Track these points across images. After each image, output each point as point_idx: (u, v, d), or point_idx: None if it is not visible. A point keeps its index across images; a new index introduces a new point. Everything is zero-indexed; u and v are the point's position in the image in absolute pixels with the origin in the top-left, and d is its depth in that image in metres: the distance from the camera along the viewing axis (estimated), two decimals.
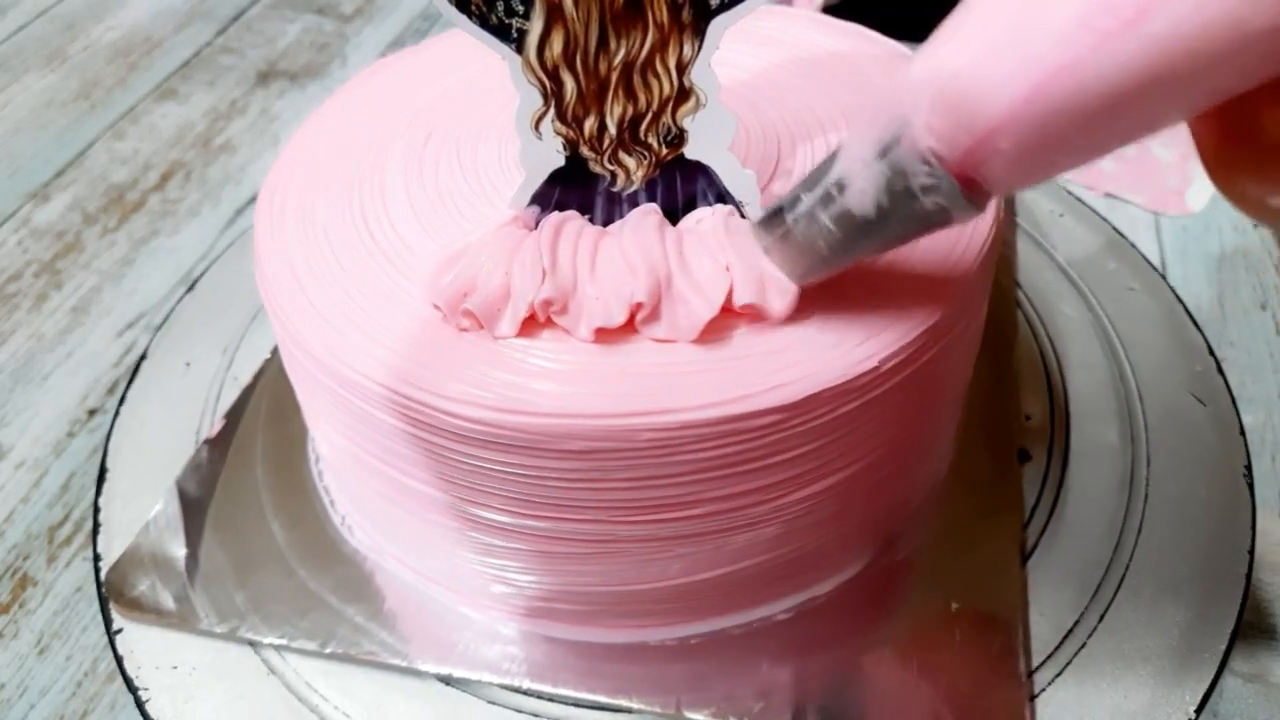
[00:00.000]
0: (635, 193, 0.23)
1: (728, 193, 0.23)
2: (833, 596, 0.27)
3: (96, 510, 0.31)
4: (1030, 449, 0.31)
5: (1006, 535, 0.28)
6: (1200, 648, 0.26)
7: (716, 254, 0.21)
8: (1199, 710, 0.24)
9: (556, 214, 0.22)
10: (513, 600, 0.26)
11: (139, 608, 0.27)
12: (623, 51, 0.20)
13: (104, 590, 0.28)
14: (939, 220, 0.17)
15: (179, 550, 0.29)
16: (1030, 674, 0.25)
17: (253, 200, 0.48)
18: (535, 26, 0.19)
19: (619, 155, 0.22)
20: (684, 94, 0.21)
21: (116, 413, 0.34)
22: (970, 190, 0.16)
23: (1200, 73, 0.12)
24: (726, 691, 0.25)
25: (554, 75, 0.20)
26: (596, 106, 0.21)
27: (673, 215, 0.23)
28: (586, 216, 0.23)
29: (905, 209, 0.17)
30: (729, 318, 0.21)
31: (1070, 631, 0.26)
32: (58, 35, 0.61)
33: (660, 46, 0.20)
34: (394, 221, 0.24)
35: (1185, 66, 0.12)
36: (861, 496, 0.25)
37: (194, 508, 0.30)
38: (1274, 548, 0.30)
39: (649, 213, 0.22)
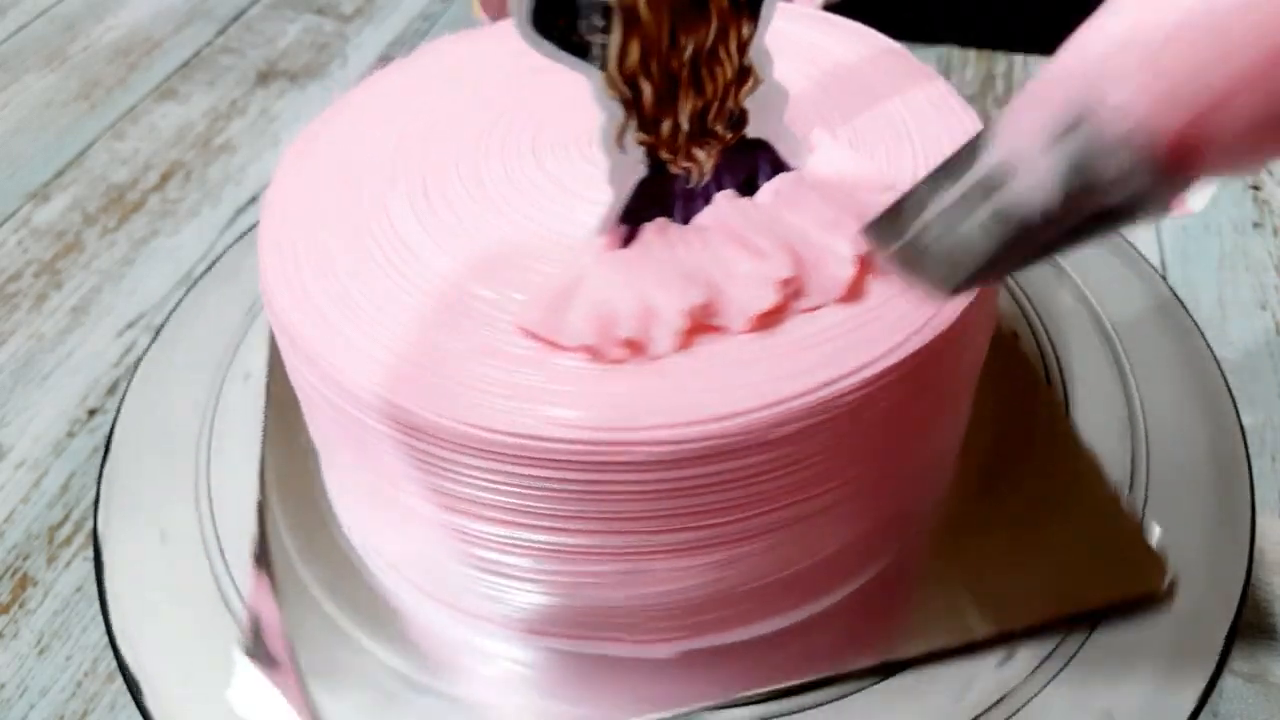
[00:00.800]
0: (706, 185, 0.23)
1: (784, 163, 0.23)
2: (843, 603, 0.27)
3: (96, 510, 0.31)
4: None
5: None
6: (1200, 647, 0.26)
7: (820, 214, 0.22)
8: (1199, 710, 0.24)
9: (651, 223, 0.22)
10: (515, 614, 0.26)
11: None
12: (690, 46, 0.20)
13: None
14: (1124, 218, 0.14)
15: None
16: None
17: (253, 200, 0.48)
18: (614, 38, 0.19)
19: (691, 150, 0.22)
20: (744, 75, 0.21)
21: (117, 413, 0.34)
22: (1170, 180, 0.13)
23: None
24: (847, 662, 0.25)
25: (632, 84, 0.20)
26: (671, 106, 0.21)
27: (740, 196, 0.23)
28: (667, 219, 0.23)
29: (1086, 204, 0.13)
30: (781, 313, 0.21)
31: (1070, 631, 0.26)
32: (58, 35, 0.61)
33: (722, 33, 0.20)
34: (397, 226, 0.24)
35: None
36: (877, 497, 0.25)
37: (278, 673, 0.27)
38: (1274, 547, 0.30)
39: (733, 197, 0.23)
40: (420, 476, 0.22)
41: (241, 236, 0.41)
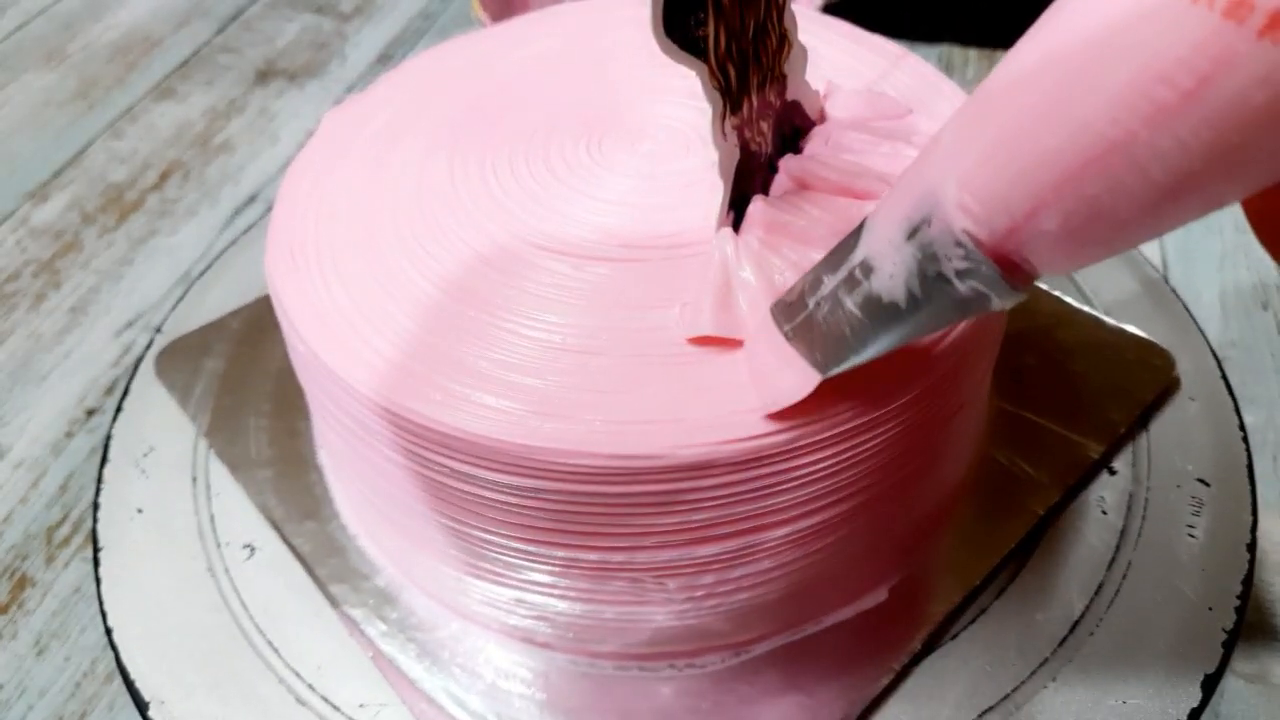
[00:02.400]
0: (768, 156, 0.23)
1: (808, 118, 0.23)
2: (859, 618, 0.27)
3: (96, 510, 0.31)
4: None
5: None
6: (1201, 648, 0.26)
7: (876, 149, 0.22)
8: (1200, 711, 0.24)
9: (755, 204, 0.22)
10: (567, 636, 0.26)
11: None
12: (753, 21, 0.21)
13: None
14: (977, 306, 0.15)
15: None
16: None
17: (252, 200, 0.48)
18: (711, 29, 0.20)
19: (759, 124, 0.22)
20: (783, 41, 0.22)
21: (116, 413, 0.34)
22: (1011, 274, 0.14)
23: (1269, 149, 0.11)
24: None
25: (724, 70, 0.21)
26: (746, 85, 0.21)
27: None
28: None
29: (939, 295, 0.15)
30: None
31: (1070, 632, 0.26)
32: (56, 34, 0.60)
33: (769, 6, 0.21)
34: (407, 228, 0.24)
35: (1252, 143, 0.11)
36: (892, 511, 0.25)
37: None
38: (1275, 548, 0.30)
39: (795, 159, 0.23)
40: (419, 476, 0.22)
41: (241, 236, 0.41)
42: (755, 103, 0.22)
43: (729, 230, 0.22)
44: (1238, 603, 0.26)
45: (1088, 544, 0.28)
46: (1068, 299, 0.34)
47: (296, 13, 0.62)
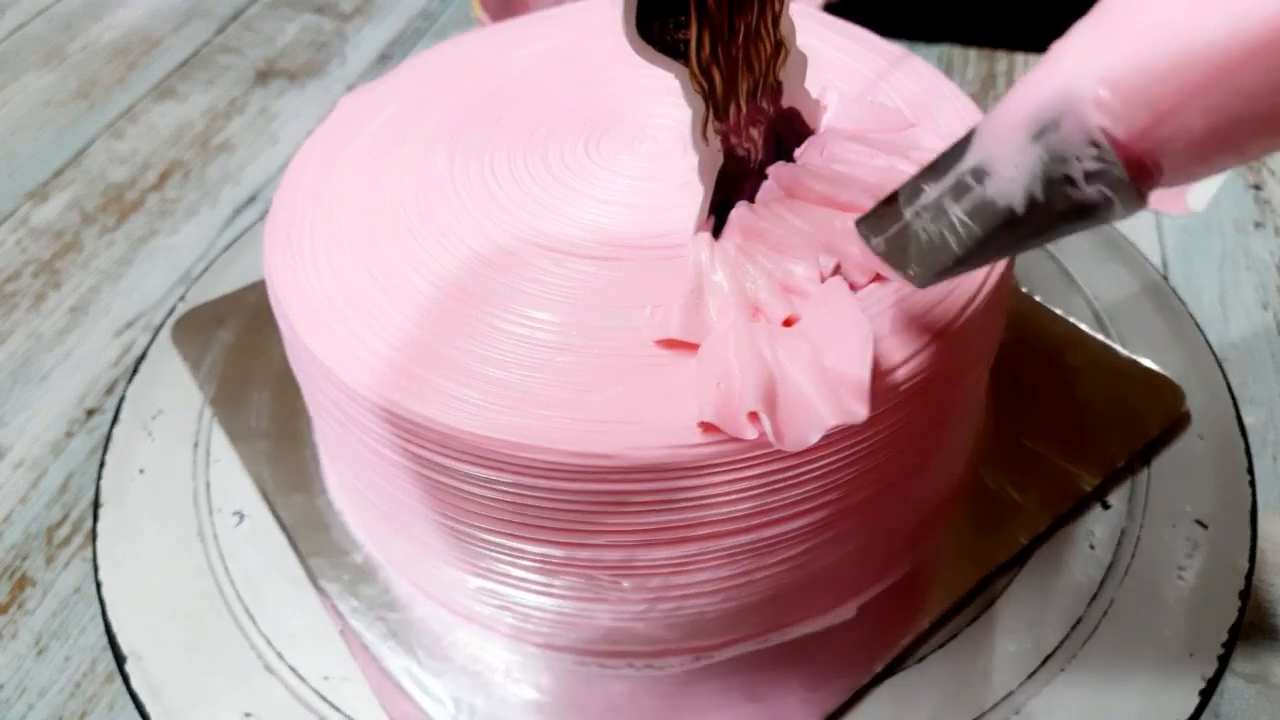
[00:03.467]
0: (758, 161, 0.23)
1: (806, 125, 0.23)
2: (861, 612, 0.27)
3: (95, 510, 0.31)
4: None
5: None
6: (1201, 648, 0.26)
7: (872, 162, 0.22)
8: (1200, 711, 0.24)
9: (737, 209, 0.22)
10: (527, 628, 0.26)
11: None
12: (743, 29, 0.21)
13: None
14: (1099, 214, 0.14)
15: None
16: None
17: (252, 199, 0.48)
18: (694, 32, 0.20)
19: (749, 131, 0.22)
20: (779, 48, 0.22)
21: (115, 413, 0.34)
22: (1140, 178, 0.14)
23: None
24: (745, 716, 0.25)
25: (707, 74, 0.21)
26: (733, 90, 0.21)
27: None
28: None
29: (1061, 200, 0.14)
30: None
31: (1071, 631, 0.26)
32: (56, 34, 0.60)
33: (762, 11, 0.21)
34: (404, 228, 0.24)
35: None
36: (857, 530, 0.25)
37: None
38: (1275, 548, 0.29)
39: (786, 167, 0.23)
40: (419, 477, 0.22)
41: (240, 236, 0.41)
42: (744, 109, 0.22)
43: (707, 235, 0.22)
44: (1238, 603, 0.26)
45: (1072, 578, 0.27)
46: (1082, 325, 0.33)
47: (297, 13, 0.62)
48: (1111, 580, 0.27)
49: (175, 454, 0.32)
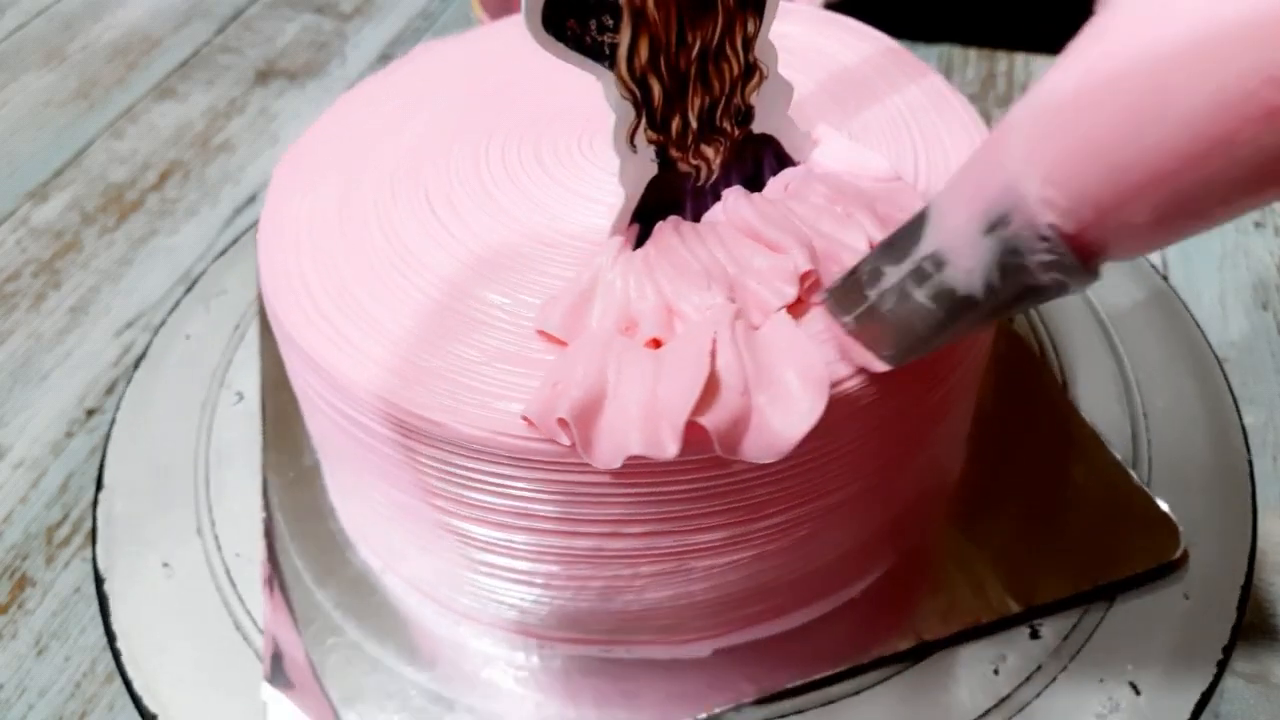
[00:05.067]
0: (715, 182, 0.23)
1: (789, 157, 0.23)
2: (891, 575, 0.27)
3: (95, 510, 0.31)
4: None
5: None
6: (1201, 648, 0.26)
7: (832, 208, 0.22)
8: (1200, 710, 0.24)
9: (664, 222, 0.22)
10: (523, 619, 0.26)
11: None
12: (698, 42, 0.20)
13: None
14: (1054, 293, 0.15)
15: None
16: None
17: (251, 200, 0.48)
18: (624, 37, 0.19)
19: (700, 148, 0.22)
20: (751, 70, 0.21)
21: (115, 413, 0.34)
22: (1092, 261, 0.14)
23: None
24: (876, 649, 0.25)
25: (642, 82, 0.20)
26: (679, 104, 0.21)
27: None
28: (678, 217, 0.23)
29: (1017, 284, 0.15)
30: None
31: (1071, 631, 0.26)
32: (56, 34, 0.60)
33: (729, 29, 0.20)
34: (398, 228, 0.24)
35: None
36: (880, 501, 0.25)
37: (309, 700, 0.26)
38: (1275, 548, 0.29)
39: (742, 193, 0.23)
40: (421, 480, 0.22)
41: (240, 236, 0.41)
42: (694, 125, 0.21)
43: (619, 240, 0.22)
44: (1238, 603, 0.26)
45: (961, 697, 0.25)
46: (1115, 451, 0.30)
47: (296, 13, 0.62)
48: (995, 713, 0.25)
49: (175, 453, 0.32)
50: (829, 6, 0.34)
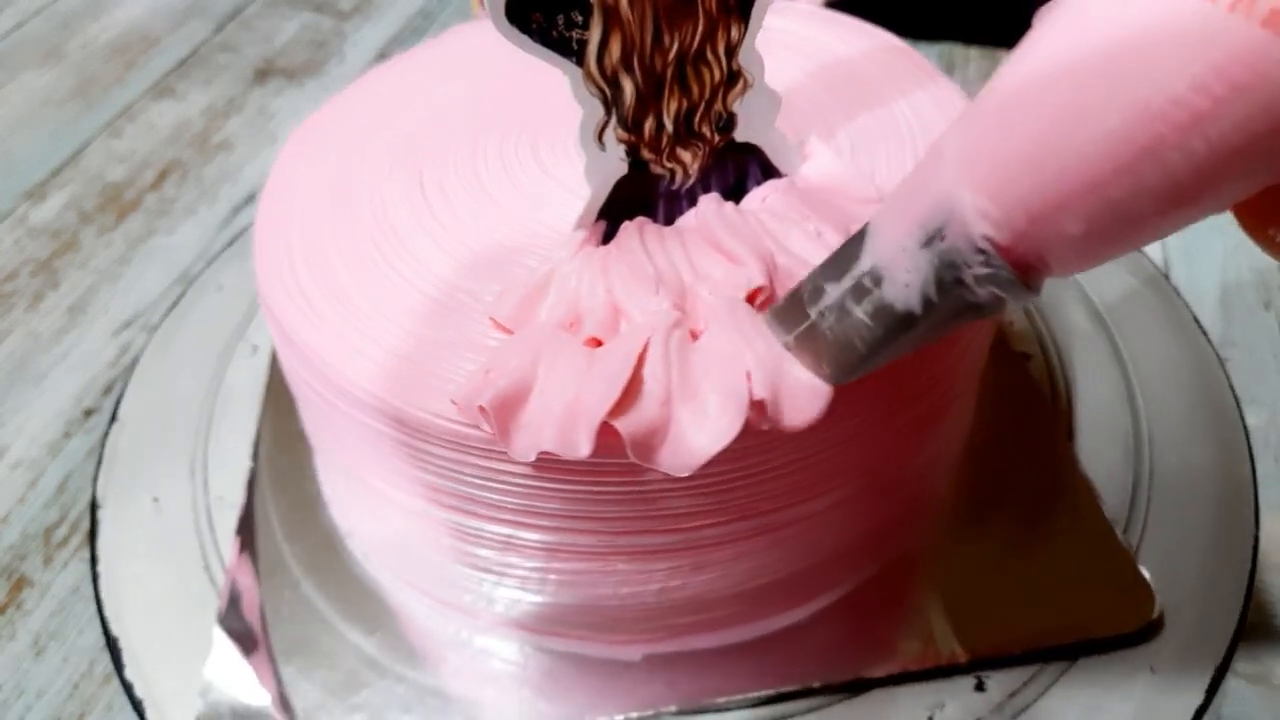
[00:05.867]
0: (692, 186, 0.22)
1: (774, 168, 0.23)
2: (847, 600, 0.27)
3: (94, 511, 0.31)
4: None
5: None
6: (1203, 649, 0.25)
7: (802, 224, 0.21)
8: (1202, 712, 0.24)
9: (630, 222, 0.22)
10: (490, 607, 0.26)
11: None
12: (676, 45, 0.20)
13: None
14: (993, 308, 0.15)
15: (262, 697, 0.26)
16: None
17: (250, 199, 0.48)
18: (594, 34, 0.19)
19: (676, 151, 0.22)
20: (733, 78, 0.21)
21: (113, 413, 0.33)
22: (1029, 275, 0.14)
23: None
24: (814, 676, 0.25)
25: (613, 81, 0.20)
26: (654, 106, 0.21)
27: (727, 200, 0.23)
28: (649, 219, 0.23)
29: (955, 300, 0.15)
30: None
31: (1021, 688, 0.25)
32: (54, 33, 0.60)
33: (710, 35, 0.20)
34: (395, 224, 0.24)
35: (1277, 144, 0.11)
36: (875, 500, 0.24)
37: (253, 646, 0.27)
38: (1277, 549, 0.29)
39: (717, 201, 0.22)
40: (411, 471, 0.22)
41: (239, 235, 0.40)
42: (669, 128, 0.21)
43: (581, 235, 0.22)
44: (1240, 604, 0.26)
45: None
46: (1107, 508, 0.28)
47: (295, 11, 0.62)
48: None
49: (174, 452, 0.32)
50: (830, 5, 0.34)
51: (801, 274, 0.19)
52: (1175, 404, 0.31)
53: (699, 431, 0.18)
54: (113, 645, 0.28)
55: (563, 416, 0.18)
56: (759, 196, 0.23)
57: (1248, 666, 0.27)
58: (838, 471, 0.22)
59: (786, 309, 0.18)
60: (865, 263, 0.16)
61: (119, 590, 0.29)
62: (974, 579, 0.27)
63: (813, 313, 0.18)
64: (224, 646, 0.27)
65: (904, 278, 0.15)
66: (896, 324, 0.16)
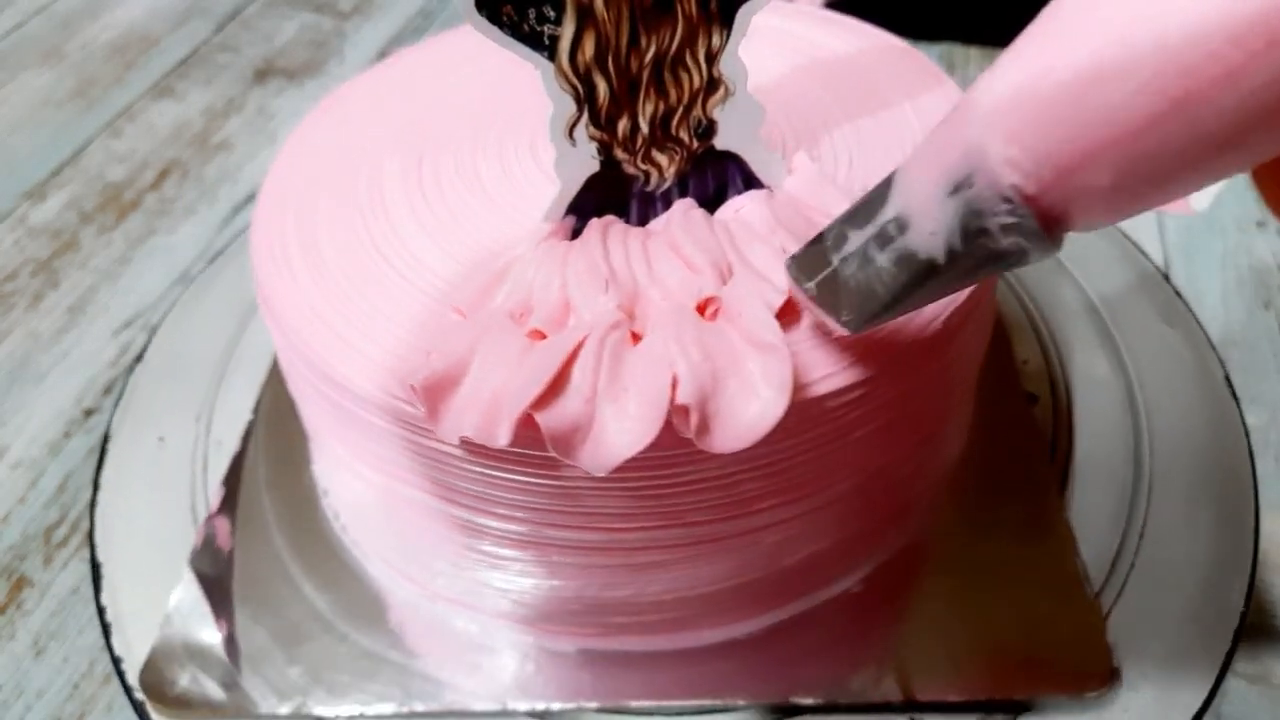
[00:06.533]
0: (668, 190, 0.22)
1: (756, 179, 0.23)
2: (840, 598, 0.27)
3: (93, 511, 0.31)
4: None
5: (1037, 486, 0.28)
6: (1203, 649, 0.25)
7: (768, 239, 0.21)
8: (1202, 712, 0.24)
9: (598, 219, 0.22)
10: (514, 609, 0.26)
11: (186, 705, 0.25)
12: (653, 48, 0.20)
13: (143, 691, 0.26)
14: (1015, 260, 0.15)
15: (213, 636, 0.27)
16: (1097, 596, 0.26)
17: (250, 199, 0.48)
18: (567, 31, 0.19)
19: (652, 154, 0.22)
20: (714, 85, 0.21)
21: (113, 413, 0.33)
22: (1053, 227, 0.14)
23: None
24: (742, 693, 0.25)
25: (586, 79, 0.20)
26: (629, 106, 0.21)
27: (706, 207, 0.23)
28: (622, 219, 0.23)
29: (980, 250, 0.15)
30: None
31: (990, 714, 0.26)
32: (54, 33, 0.60)
33: (689, 39, 0.20)
34: (393, 223, 0.24)
35: None
36: (867, 501, 0.24)
37: (216, 587, 0.28)
38: (1278, 548, 0.29)
39: (690, 207, 0.22)
40: (408, 463, 0.22)
41: (239, 235, 0.40)
42: (644, 130, 0.21)
43: (546, 227, 0.22)
44: (1240, 604, 0.26)
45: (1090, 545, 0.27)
46: (1083, 557, 0.27)
47: (295, 11, 0.62)
48: None
49: (188, 397, 0.34)
50: (830, 5, 0.34)
51: (761, 290, 0.19)
52: (1175, 403, 0.31)
53: (620, 432, 0.18)
54: (96, 570, 0.29)
55: (489, 404, 0.19)
56: (734, 206, 0.22)
57: (1248, 667, 0.27)
58: (776, 492, 0.22)
59: (808, 256, 0.18)
60: (890, 210, 0.16)
61: (111, 519, 0.30)
62: (930, 619, 0.26)
63: (835, 259, 0.17)
64: (190, 584, 0.28)
65: (929, 225, 0.15)
66: (919, 272, 0.16)
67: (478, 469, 0.21)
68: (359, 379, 0.21)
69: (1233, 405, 0.31)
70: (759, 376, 0.19)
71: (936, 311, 0.21)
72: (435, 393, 0.19)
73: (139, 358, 0.35)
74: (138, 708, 0.26)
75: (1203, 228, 0.42)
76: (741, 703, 0.25)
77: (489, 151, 0.26)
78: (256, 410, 0.33)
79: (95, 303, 0.42)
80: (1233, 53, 0.11)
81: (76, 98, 0.55)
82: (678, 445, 0.19)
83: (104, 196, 0.48)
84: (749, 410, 0.18)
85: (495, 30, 0.19)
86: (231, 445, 0.32)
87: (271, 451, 0.31)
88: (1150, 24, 0.12)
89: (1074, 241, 0.37)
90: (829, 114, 0.26)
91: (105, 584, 0.29)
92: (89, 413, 0.38)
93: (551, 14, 0.19)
